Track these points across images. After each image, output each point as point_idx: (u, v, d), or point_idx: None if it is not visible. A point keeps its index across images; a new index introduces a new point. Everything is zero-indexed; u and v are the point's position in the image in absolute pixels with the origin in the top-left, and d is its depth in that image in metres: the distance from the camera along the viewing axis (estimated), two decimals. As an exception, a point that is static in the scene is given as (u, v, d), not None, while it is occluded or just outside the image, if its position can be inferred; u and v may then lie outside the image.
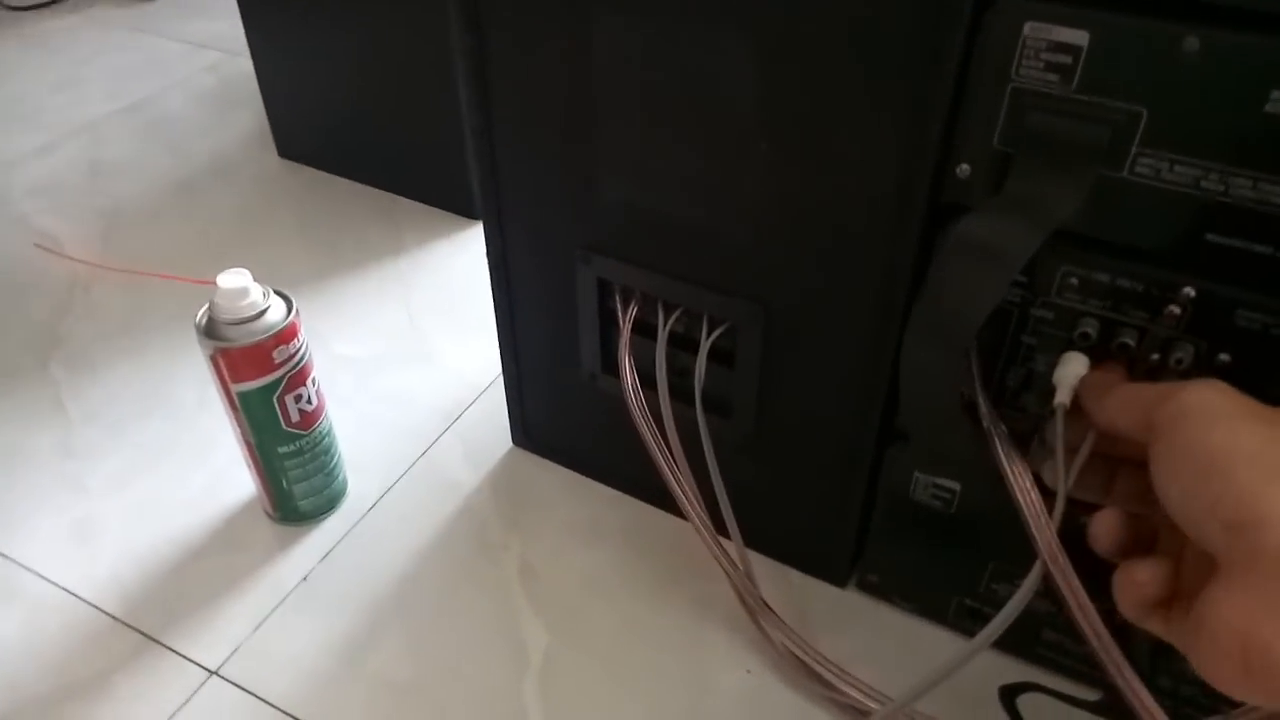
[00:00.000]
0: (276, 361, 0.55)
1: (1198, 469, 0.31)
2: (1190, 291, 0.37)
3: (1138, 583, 0.34)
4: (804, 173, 0.43)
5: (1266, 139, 0.33)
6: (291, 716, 0.53)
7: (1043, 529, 0.37)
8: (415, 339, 0.80)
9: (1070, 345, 0.41)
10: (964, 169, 0.39)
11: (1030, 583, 0.38)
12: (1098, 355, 0.41)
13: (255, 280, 0.55)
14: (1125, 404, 0.35)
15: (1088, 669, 0.53)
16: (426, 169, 0.93)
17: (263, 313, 0.54)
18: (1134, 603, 0.34)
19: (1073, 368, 0.40)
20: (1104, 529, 0.36)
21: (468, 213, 0.93)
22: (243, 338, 0.54)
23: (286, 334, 0.55)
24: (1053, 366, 0.43)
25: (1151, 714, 0.37)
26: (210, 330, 0.54)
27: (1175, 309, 0.38)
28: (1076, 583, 0.37)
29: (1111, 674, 0.37)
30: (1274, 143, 0.33)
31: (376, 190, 0.97)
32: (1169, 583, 0.34)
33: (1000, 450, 0.40)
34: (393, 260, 0.88)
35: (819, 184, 0.43)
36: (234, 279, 0.54)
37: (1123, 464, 0.37)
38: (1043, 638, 0.53)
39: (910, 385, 0.39)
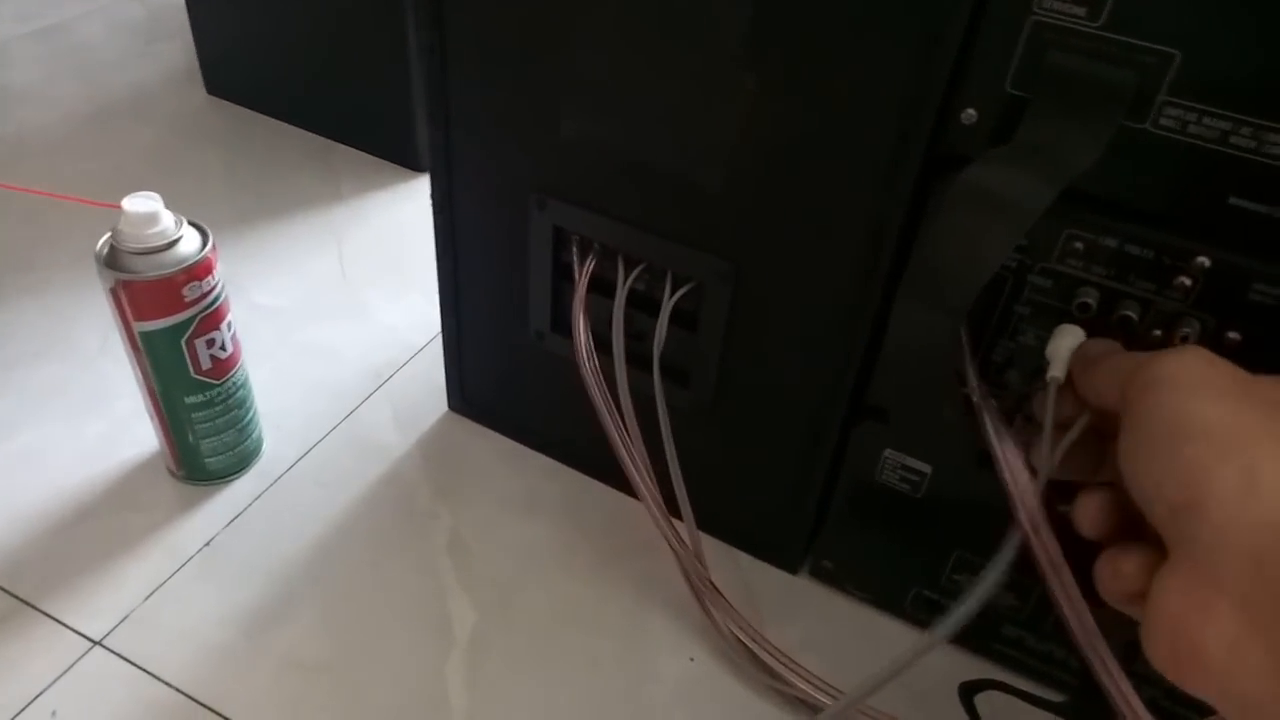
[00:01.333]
0: (187, 300, 0.49)
1: (1151, 442, 0.28)
2: (1205, 261, 0.34)
3: (1121, 574, 0.32)
4: (792, 111, 0.39)
5: (1311, 89, 0.30)
6: (183, 694, 0.47)
7: (1027, 500, 0.34)
8: (347, 292, 0.74)
9: (1066, 316, 0.38)
10: (969, 114, 0.36)
11: (1005, 555, 0.34)
12: (1094, 329, 0.37)
13: (168, 208, 0.49)
14: (1108, 373, 0.32)
15: (1047, 667, 0.50)
16: (369, 115, 0.86)
17: (173, 243, 0.48)
18: (1115, 592, 0.32)
19: (1067, 341, 0.37)
20: (1087, 511, 0.33)
21: (413, 165, 0.87)
22: (149, 270, 0.48)
23: (200, 269, 0.49)
24: (1043, 341, 0.39)
25: (1135, 712, 0.34)
26: (112, 260, 0.48)
27: (1186, 280, 0.35)
28: (1060, 559, 0.33)
29: (1094, 667, 0.34)
30: (1318, 94, 0.30)
31: (312, 135, 0.91)
32: (1154, 573, 0.31)
33: (990, 426, 0.36)
34: (326, 208, 0.82)
35: (807, 125, 0.39)
36: (142, 203, 0.48)
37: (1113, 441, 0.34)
38: (1002, 633, 0.51)
39: (900, 348, 0.35)
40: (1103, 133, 0.33)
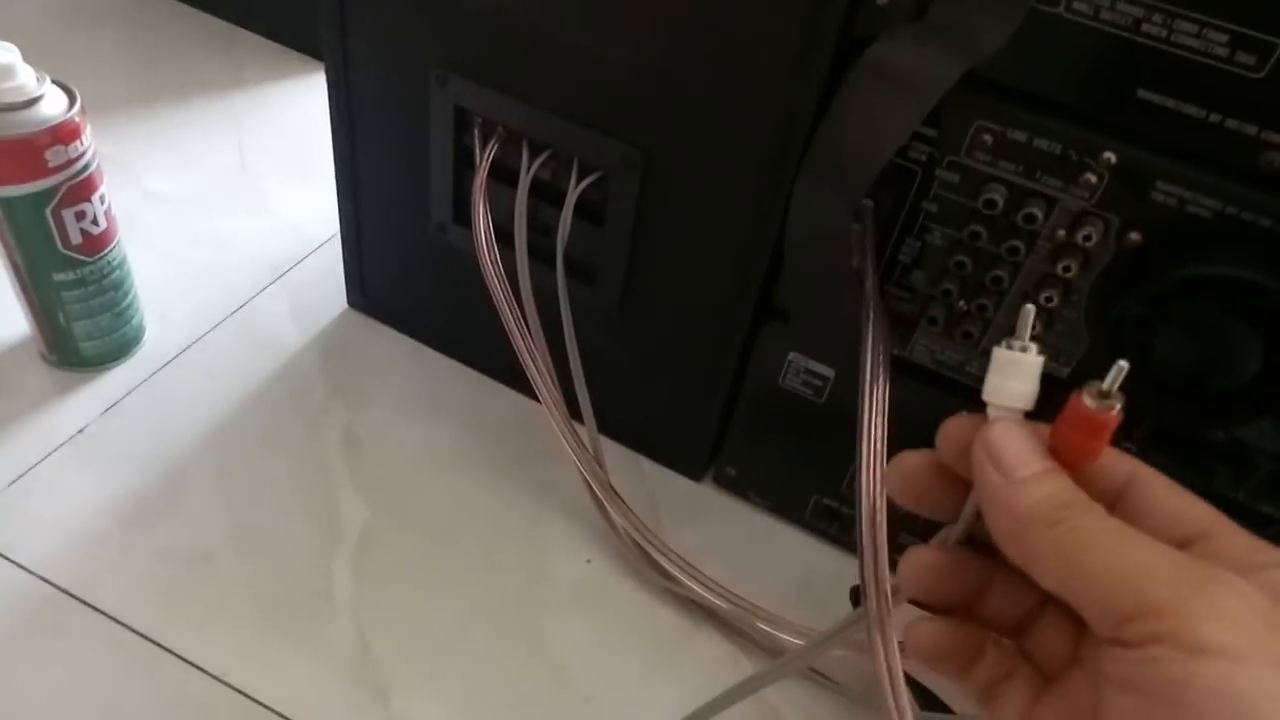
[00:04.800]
0: (51, 165, 0.45)
1: None
2: (1111, 157, 0.34)
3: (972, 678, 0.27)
4: (702, -18, 0.37)
5: (1225, -29, 0.29)
6: (48, 582, 0.45)
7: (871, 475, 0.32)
8: (244, 181, 0.70)
9: (974, 215, 0.37)
10: (884, -8, 0.34)
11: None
12: (998, 228, 0.37)
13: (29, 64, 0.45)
14: (1074, 566, 0.23)
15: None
16: (275, -2, 0.81)
17: (34, 101, 0.44)
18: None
19: (1018, 381, 0.25)
20: (920, 638, 0.28)
21: (321, 54, 0.82)
22: (6, 128, 0.44)
23: (65, 132, 0.45)
24: (950, 240, 0.39)
25: None
26: (-35, 117, 0.44)
27: (1092, 177, 0.34)
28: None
29: None
30: (1232, -23, 0.29)
31: (215, 18, 0.85)
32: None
33: (869, 336, 0.35)
34: (227, 95, 0.77)
35: (718, -1, 0.37)
36: (-3, 53, 0.44)
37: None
38: (898, 541, 0.51)
39: (799, 232, 0.34)
40: (1015, 12, 0.31)
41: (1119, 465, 0.25)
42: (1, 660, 0.42)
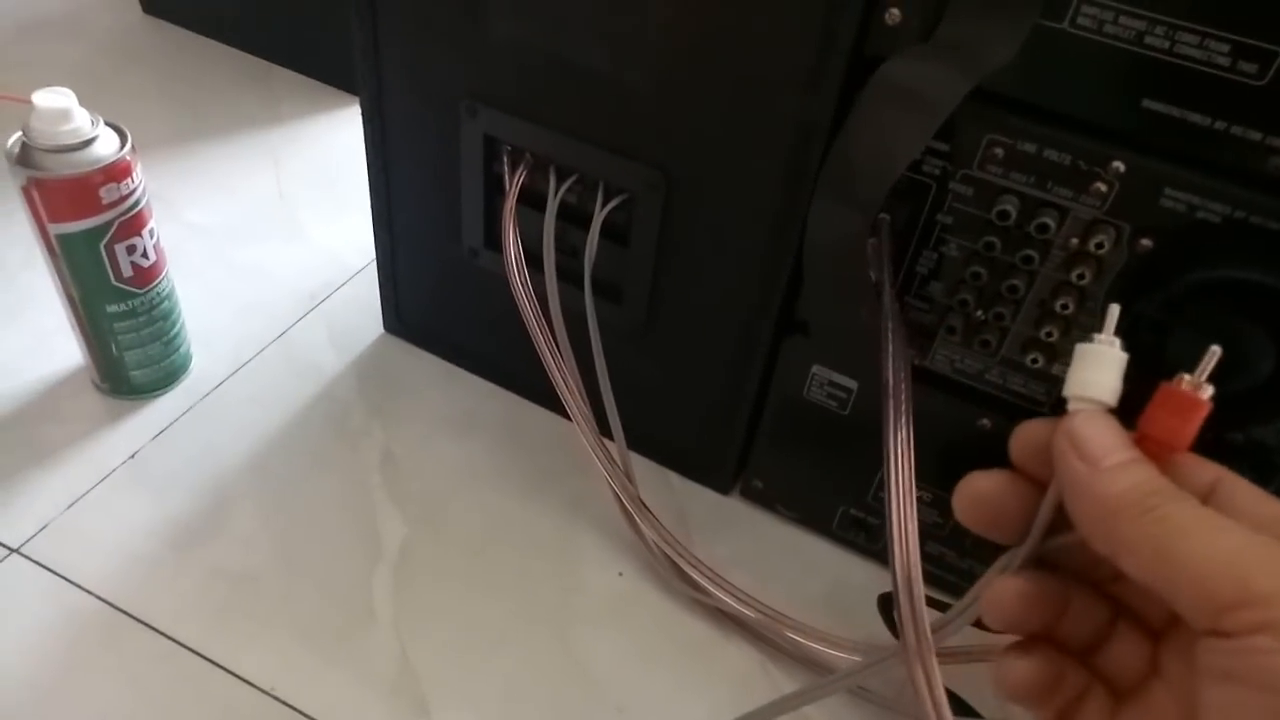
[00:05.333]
0: (105, 202, 0.48)
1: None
2: (1120, 166, 0.35)
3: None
4: (716, 9, 0.39)
5: (1222, -15, 0.30)
6: (104, 601, 0.47)
7: (902, 483, 0.33)
8: (283, 214, 0.72)
9: (988, 226, 0.38)
10: (893, 14, 0.36)
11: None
12: (1011, 238, 0.38)
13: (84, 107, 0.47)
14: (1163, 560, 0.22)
15: (967, 584, 0.51)
16: (310, 37, 0.84)
17: (89, 142, 0.47)
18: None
19: (1102, 373, 0.25)
20: (1017, 675, 0.26)
21: (355, 89, 0.85)
22: (62, 168, 0.46)
23: (117, 170, 0.48)
24: (965, 251, 0.40)
25: None
26: (25, 158, 0.47)
27: (1102, 186, 0.35)
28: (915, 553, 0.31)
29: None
30: (1229, -10, 0.30)
31: (251, 57, 0.88)
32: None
33: (890, 346, 0.36)
34: (264, 130, 0.80)
35: (732, 22, 0.39)
36: (53, 98, 0.46)
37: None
38: (925, 550, 0.52)
39: (815, 247, 0.35)
40: (1020, 30, 0.33)
41: (1203, 471, 0.24)
42: (58, 675, 0.44)
